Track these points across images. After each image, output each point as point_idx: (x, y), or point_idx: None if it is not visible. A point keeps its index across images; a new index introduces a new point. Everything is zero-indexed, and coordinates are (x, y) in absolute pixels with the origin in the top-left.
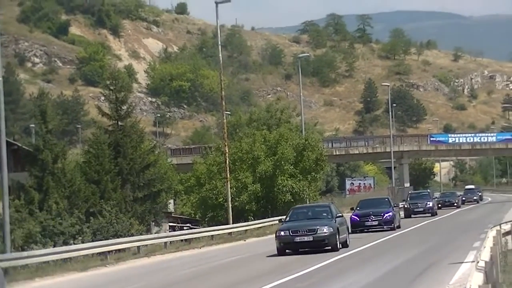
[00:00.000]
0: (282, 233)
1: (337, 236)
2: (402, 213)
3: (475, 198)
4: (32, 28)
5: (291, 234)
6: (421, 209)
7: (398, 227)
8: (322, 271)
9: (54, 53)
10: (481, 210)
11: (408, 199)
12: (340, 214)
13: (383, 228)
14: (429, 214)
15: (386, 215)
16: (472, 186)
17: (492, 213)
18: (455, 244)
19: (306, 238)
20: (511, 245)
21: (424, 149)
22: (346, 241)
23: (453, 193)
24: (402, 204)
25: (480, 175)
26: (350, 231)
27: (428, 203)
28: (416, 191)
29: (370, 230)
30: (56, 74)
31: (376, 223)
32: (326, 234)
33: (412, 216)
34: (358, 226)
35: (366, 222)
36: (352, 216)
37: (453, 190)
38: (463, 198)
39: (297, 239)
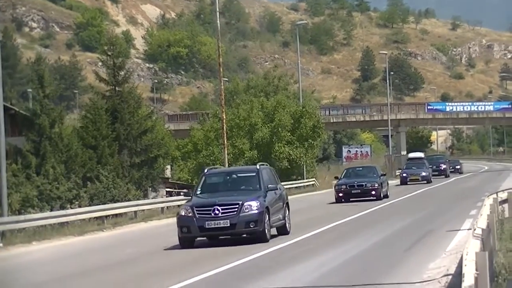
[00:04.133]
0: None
1: (381, 189)
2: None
3: (423, 174)
4: None
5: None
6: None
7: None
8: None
9: (52, 18)
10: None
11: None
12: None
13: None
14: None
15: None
16: (421, 154)
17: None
18: (452, 212)
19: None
20: (508, 213)
21: (421, 117)
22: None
23: (371, 168)
24: (398, 172)
25: (477, 144)
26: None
27: (252, 204)
28: (214, 170)
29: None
30: (54, 39)
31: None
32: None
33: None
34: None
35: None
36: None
37: (370, 164)
38: (404, 175)
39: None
